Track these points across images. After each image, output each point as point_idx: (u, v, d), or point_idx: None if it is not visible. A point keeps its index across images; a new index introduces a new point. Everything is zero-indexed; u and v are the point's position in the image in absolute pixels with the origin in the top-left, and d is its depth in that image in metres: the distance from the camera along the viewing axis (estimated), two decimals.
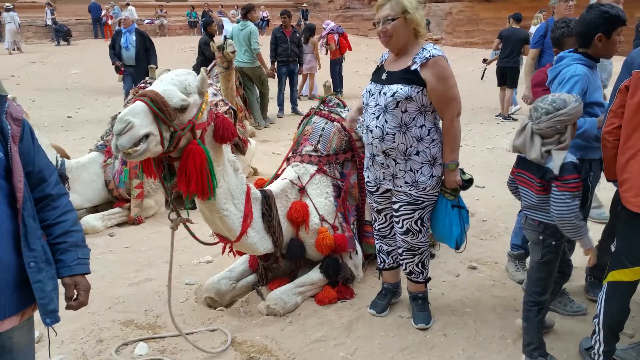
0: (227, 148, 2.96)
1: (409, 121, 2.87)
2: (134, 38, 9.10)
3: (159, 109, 2.42)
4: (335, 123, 3.75)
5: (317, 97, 5.76)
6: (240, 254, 3.67)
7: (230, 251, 3.24)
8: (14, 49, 20.85)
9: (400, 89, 2.82)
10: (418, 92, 2.83)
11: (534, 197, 2.70)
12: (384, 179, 3.03)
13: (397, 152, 2.92)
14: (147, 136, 2.40)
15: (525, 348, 2.85)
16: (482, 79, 11.32)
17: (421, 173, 2.96)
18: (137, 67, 9.08)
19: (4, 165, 1.62)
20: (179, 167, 2.62)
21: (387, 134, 2.88)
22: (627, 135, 2.49)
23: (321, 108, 3.88)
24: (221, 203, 2.92)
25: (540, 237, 2.74)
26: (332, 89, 4.17)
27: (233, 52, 7.28)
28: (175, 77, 2.61)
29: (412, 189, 2.98)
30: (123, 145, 2.35)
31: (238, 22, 10.37)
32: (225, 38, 8.10)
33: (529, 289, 2.85)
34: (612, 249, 2.70)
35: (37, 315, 1.80)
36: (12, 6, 21.35)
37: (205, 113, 2.70)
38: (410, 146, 2.91)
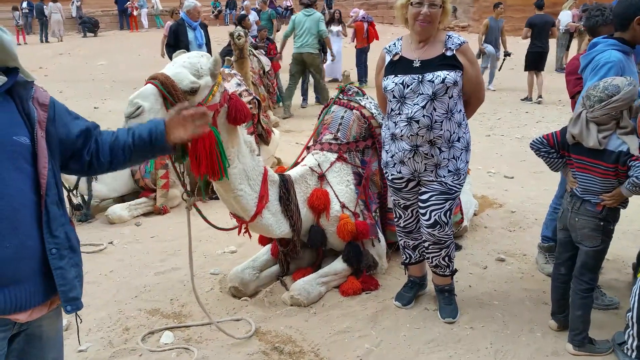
0: (242, 129, 2.97)
1: (453, 107, 2.88)
2: (204, 33, 7.61)
3: (168, 92, 2.45)
4: (354, 111, 3.73)
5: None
6: (264, 242, 3.68)
7: (245, 231, 3.23)
8: (46, 40, 21.29)
9: (448, 74, 2.82)
10: (460, 76, 2.87)
11: (598, 181, 2.69)
12: (425, 170, 2.96)
13: (443, 140, 2.89)
14: None
15: (576, 337, 2.83)
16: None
17: (461, 160, 2.97)
18: None
19: (30, 151, 1.61)
20: (189, 149, 2.64)
21: (435, 121, 2.85)
22: None
23: (340, 97, 3.87)
24: (236, 183, 2.95)
25: (601, 223, 2.72)
26: (350, 78, 4.14)
27: (239, 38, 7.30)
28: (187, 59, 2.63)
29: (454, 177, 2.95)
30: None
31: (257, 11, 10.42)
32: (236, 25, 8.12)
33: (585, 278, 2.81)
34: None
35: None
36: None
37: (218, 95, 2.71)
38: (454, 132, 2.91)
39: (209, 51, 7.65)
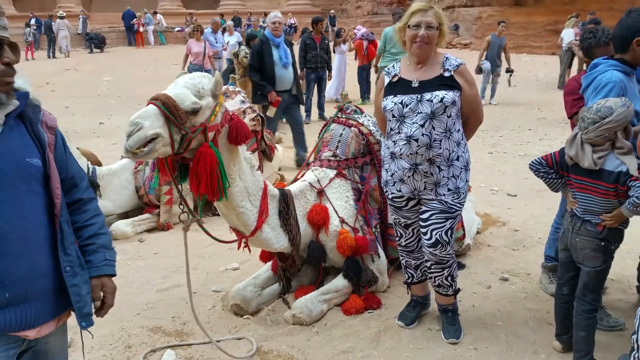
0: (243, 147, 2.99)
1: (451, 126, 2.90)
2: (289, 51, 6.70)
3: (170, 112, 2.47)
4: (352, 128, 3.78)
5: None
6: (265, 259, 3.68)
7: (245, 246, 3.24)
8: (54, 56, 21.55)
9: (446, 94, 2.85)
10: (458, 96, 2.90)
11: (598, 201, 2.69)
12: (424, 189, 2.97)
13: (442, 159, 2.91)
14: (154, 138, 2.44)
15: (580, 359, 2.81)
16: (510, 85, 11.42)
17: (461, 179, 2.98)
18: (291, 91, 6.70)
19: (42, 173, 1.67)
20: (190, 168, 2.66)
21: (434, 140, 2.87)
22: None
23: (339, 116, 3.93)
24: (237, 201, 2.97)
25: (602, 244, 2.71)
26: (349, 97, 4.19)
27: (245, 57, 7.34)
28: (189, 80, 2.66)
29: (454, 196, 2.96)
30: (130, 145, 2.40)
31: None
32: (240, 45, 8.14)
33: (587, 298, 2.79)
34: None
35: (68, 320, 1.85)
36: (64, 14, 22.19)
37: (220, 115, 2.73)
38: (452, 151, 2.93)
39: (295, 74, 6.78)
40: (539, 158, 2.94)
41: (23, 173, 1.62)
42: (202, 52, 10.37)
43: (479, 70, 11.39)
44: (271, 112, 6.56)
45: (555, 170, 2.88)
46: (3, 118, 1.61)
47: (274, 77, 6.44)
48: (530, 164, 2.99)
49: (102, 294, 1.83)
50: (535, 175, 2.98)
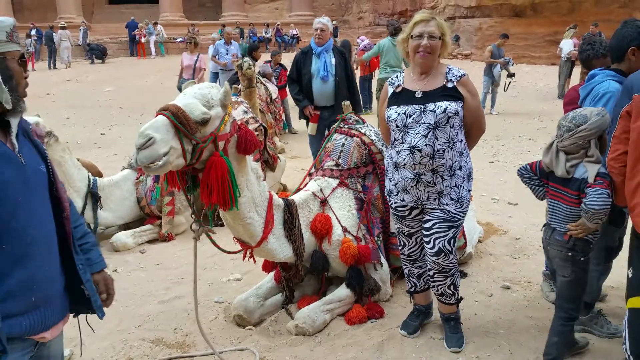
0: (250, 157, 3.01)
1: (454, 136, 2.93)
2: (334, 61, 5.72)
3: (180, 123, 2.48)
4: (354, 138, 3.82)
5: None
6: (268, 269, 3.68)
7: (250, 257, 3.25)
8: (54, 67, 21.68)
9: (449, 104, 2.88)
10: (461, 107, 2.93)
11: (564, 208, 2.73)
12: (428, 198, 2.99)
13: (445, 169, 2.93)
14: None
15: (545, 357, 2.83)
16: (505, 90, 12.00)
17: (463, 188, 3.00)
18: (335, 108, 5.55)
19: (47, 178, 1.74)
20: (201, 178, 2.67)
21: (438, 150, 2.89)
22: (635, 159, 2.39)
23: (341, 126, 3.96)
24: (245, 211, 2.98)
25: (570, 254, 2.73)
26: (350, 107, 4.18)
27: (250, 69, 7.32)
28: (197, 90, 2.67)
29: (457, 205, 2.98)
30: (142, 161, 2.42)
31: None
32: (243, 56, 8.10)
33: (563, 306, 2.81)
34: (629, 275, 2.57)
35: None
36: (66, 25, 22.42)
37: (228, 125, 2.75)
38: (455, 161, 2.95)
39: (352, 87, 5.81)
40: (525, 164, 2.99)
41: (39, 180, 1.69)
42: (193, 65, 9.72)
43: (502, 67, 11.60)
44: (312, 129, 5.71)
45: (538, 177, 2.92)
46: (17, 127, 1.65)
47: (311, 90, 5.67)
48: (518, 170, 3.03)
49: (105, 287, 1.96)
50: (521, 180, 3.03)
